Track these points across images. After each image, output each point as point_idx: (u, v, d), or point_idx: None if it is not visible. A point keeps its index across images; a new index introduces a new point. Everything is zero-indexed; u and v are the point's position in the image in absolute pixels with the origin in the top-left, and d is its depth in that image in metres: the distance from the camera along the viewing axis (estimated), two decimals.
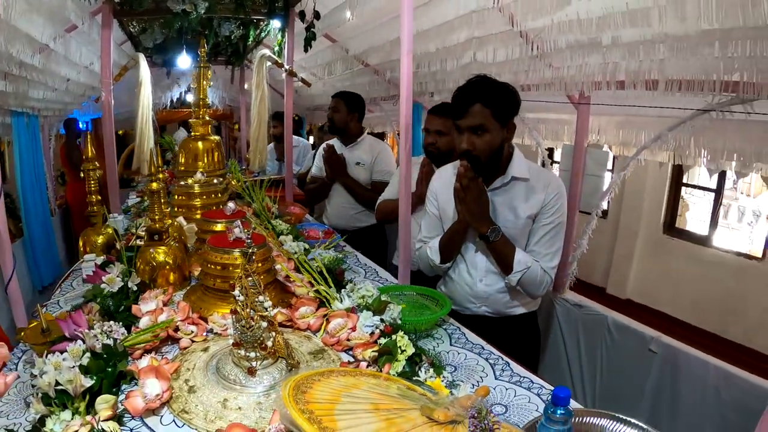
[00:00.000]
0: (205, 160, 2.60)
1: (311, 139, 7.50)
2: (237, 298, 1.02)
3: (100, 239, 2.14)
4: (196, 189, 2.37)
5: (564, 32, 2.07)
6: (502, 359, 1.42)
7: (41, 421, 0.97)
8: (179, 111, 6.02)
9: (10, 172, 3.58)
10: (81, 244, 2.14)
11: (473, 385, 1.26)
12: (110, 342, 1.17)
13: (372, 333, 1.31)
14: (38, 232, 3.69)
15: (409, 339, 1.23)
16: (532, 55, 2.40)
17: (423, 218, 1.99)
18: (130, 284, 1.58)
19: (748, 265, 4.38)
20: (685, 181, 5.04)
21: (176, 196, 2.37)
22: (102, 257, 1.96)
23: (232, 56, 4.47)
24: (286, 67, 3.38)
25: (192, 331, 1.33)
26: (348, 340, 1.31)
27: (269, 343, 1.04)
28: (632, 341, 2.28)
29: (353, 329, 1.32)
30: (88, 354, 1.12)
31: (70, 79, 3.07)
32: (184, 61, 3.70)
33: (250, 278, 1.01)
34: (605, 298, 5.29)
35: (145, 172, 3.23)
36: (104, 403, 1.00)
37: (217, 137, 2.71)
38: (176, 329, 1.33)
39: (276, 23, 3.41)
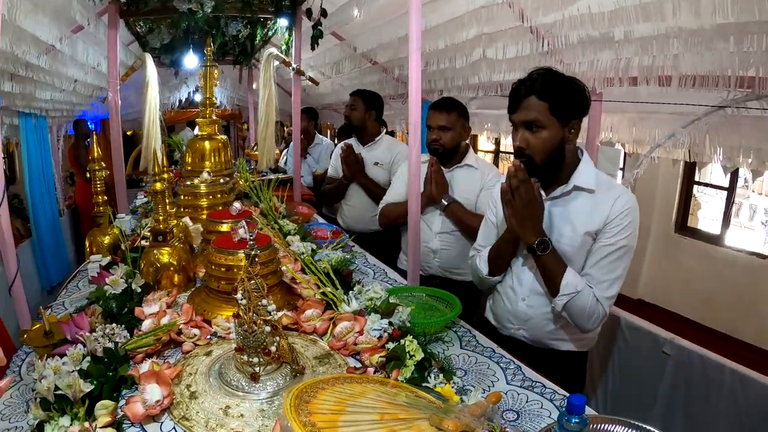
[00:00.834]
0: (212, 160, 2.59)
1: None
2: (239, 301, 1.00)
3: (107, 240, 2.13)
4: (203, 189, 2.35)
5: (575, 27, 2.04)
6: (514, 363, 1.38)
7: (40, 426, 0.95)
8: (188, 111, 6.03)
9: (19, 173, 3.60)
10: (87, 244, 2.14)
11: (484, 390, 1.23)
12: (111, 345, 1.15)
13: (380, 337, 1.27)
14: (47, 232, 3.71)
15: (418, 343, 1.20)
16: (542, 52, 2.37)
17: (481, 225, 1.82)
18: (134, 286, 1.56)
19: (760, 265, 4.30)
20: (696, 179, 4.96)
21: (182, 196, 2.35)
22: (108, 258, 1.95)
23: (239, 55, 4.47)
24: (294, 65, 3.36)
25: (195, 335, 1.31)
26: (355, 344, 1.27)
27: (273, 348, 1.01)
28: (645, 343, 2.23)
29: (360, 333, 1.29)
30: (88, 358, 1.10)
31: (77, 79, 3.08)
32: (191, 60, 3.69)
33: (252, 281, 0.99)
34: (616, 298, 5.23)
35: (151, 172, 3.24)
36: (103, 409, 0.98)
37: (224, 137, 2.69)
38: (179, 332, 1.31)
39: (283, 22, 3.39)
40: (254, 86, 5.74)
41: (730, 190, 4.65)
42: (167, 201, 1.81)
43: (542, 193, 1.49)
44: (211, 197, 2.37)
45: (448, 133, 2.23)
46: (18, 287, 1.90)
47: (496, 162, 7.12)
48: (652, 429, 1.00)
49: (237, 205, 2.00)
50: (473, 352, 1.44)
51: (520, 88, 1.44)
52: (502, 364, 1.37)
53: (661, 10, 1.66)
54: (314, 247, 2.10)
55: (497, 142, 7.07)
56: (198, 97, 5.67)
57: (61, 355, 1.09)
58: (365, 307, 1.46)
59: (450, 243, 2.30)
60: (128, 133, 5.56)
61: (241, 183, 2.95)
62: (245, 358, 1.02)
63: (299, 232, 2.32)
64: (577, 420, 0.89)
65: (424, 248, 2.30)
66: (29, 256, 3.59)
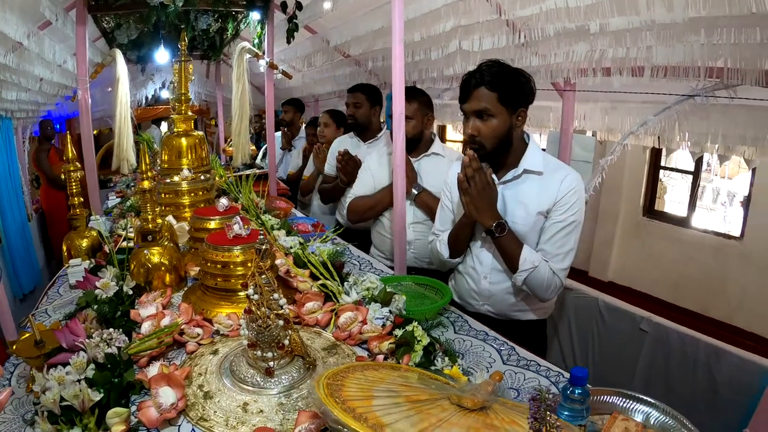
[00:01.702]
0: (190, 157, 2.55)
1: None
2: (251, 297, 1.00)
3: (85, 243, 2.08)
4: (184, 186, 2.32)
5: (552, 20, 2.10)
6: (507, 344, 1.44)
7: None
8: (154, 108, 5.87)
9: None
10: (64, 248, 2.07)
11: (483, 370, 1.28)
12: (113, 351, 1.11)
13: (384, 325, 1.31)
14: (16, 238, 3.58)
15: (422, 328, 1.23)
16: (518, 44, 2.42)
17: (437, 211, 1.92)
18: (125, 288, 1.54)
19: (726, 245, 4.50)
20: (662, 164, 5.15)
21: (163, 195, 2.31)
22: (87, 261, 1.91)
23: (208, 50, 4.37)
24: (267, 59, 3.33)
25: (198, 334, 1.30)
26: (361, 333, 1.30)
27: (286, 342, 1.02)
28: (623, 322, 2.33)
29: (364, 322, 1.31)
30: (92, 365, 1.06)
31: (43, 78, 2.96)
32: (162, 56, 3.60)
33: (264, 275, 0.99)
34: (588, 281, 5.39)
35: (125, 172, 3.15)
36: (116, 417, 0.95)
37: (200, 133, 2.66)
38: (181, 332, 1.30)
39: (255, 15, 3.34)
40: (222, 81, 5.64)
41: (696, 174, 4.85)
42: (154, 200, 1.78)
43: (494, 178, 1.60)
44: (193, 195, 2.34)
45: (409, 123, 2.21)
46: (1, 295, 1.83)
47: (464, 151, 7.19)
48: (646, 398, 1.07)
49: (224, 201, 1.98)
50: (467, 336, 1.50)
51: (471, 79, 1.55)
52: (496, 346, 1.43)
53: (635, 5, 1.73)
54: (301, 240, 2.11)
55: None
56: (165, 94, 5.53)
57: (63, 365, 1.05)
58: (363, 297, 1.49)
59: (423, 233, 2.30)
60: (94, 132, 5.37)
61: (216, 179, 2.91)
62: (259, 353, 1.03)
63: (284, 227, 2.32)
64: (580, 391, 0.94)
65: None
66: None
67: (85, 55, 2.44)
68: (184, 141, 2.54)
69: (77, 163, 2.06)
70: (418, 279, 1.77)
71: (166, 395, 0.99)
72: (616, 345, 2.37)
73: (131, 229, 2.24)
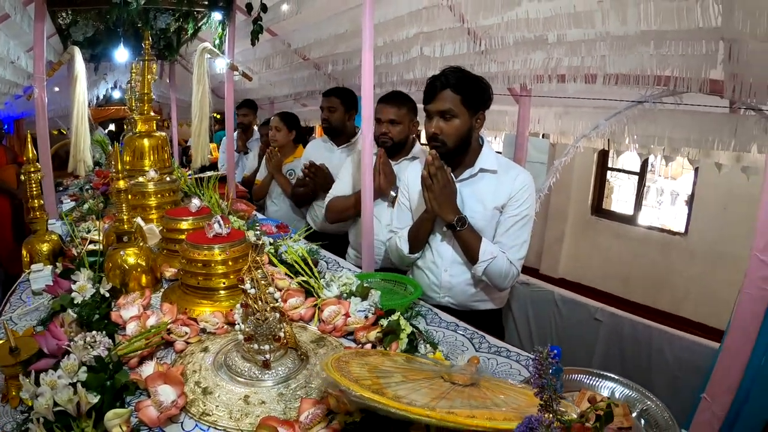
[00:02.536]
0: (153, 158, 2.52)
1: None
2: (247, 291, 1.04)
3: (45, 247, 2.02)
4: (151, 188, 2.29)
5: (512, 30, 2.21)
6: (477, 333, 1.53)
7: None
8: (106, 109, 5.65)
9: None
10: (25, 253, 2.00)
11: (459, 357, 1.35)
12: (102, 353, 1.09)
13: (367, 317, 1.37)
14: None
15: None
16: (478, 51, 2.54)
17: (395, 209, 2.01)
18: (101, 290, 1.52)
19: (671, 240, 4.81)
20: (609, 165, 5.45)
21: (129, 196, 2.26)
22: (50, 266, 1.85)
23: (164, 50, 4.27)
24: (228, 60, 3.31)
25: (186, 333, 1.31)
26: (346, 325, 1.35)
27: (281, 335, 1.06)
28: (579, 313, 2.49)
29: (347, 315, 1.37)
30: (83, 368, 1.04)
31: None
32: (121, 55, 3.50)
33: (260, 270, 1.03)
34: (539, 278, 5.58)
35: (81, 173, 3.05)
36: (116, 419, 0.93)
37: (163, 134, 2.62)
38: (168, 332, 1.31)
39: (217, 16, 3.32)
40: (177, 83, 5.50)
41: (641, 174, 5.15)
42: (122, 201, 1.75)
43: (453, 176, 1.72)
44: (159, 196, 2.32)
45: (397, 127, 2.28)
46: None
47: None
48: (609, 374, 1.18)
49: (196, 202, 1.98)
50: (439, 327, 1.57)
51: (436, 82, 1.68)
52: (467, 335, 1.51)
53: (591, 18, 1.88)
54: (271, 240, 2.13)
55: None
56: (117, 94, 5.35)
57: (46, 370, 1.01)
58: (341, 292, 1.55)
59: None
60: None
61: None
62: (256, 346, 1.07)
63: (252, 228, 2.33)
64: (555, 368, 1.04)
65: (374, 241, 2.37)
66: None
67: (42, 52, 2.36)
68: (146, 142, 2.51)
69: (37, 164, 1.99)
70: (385, 275, 1.86)
71: (166, 393, 0.99)
72: (573, 335, 2.52)
73: (95, 232, 2.19)
